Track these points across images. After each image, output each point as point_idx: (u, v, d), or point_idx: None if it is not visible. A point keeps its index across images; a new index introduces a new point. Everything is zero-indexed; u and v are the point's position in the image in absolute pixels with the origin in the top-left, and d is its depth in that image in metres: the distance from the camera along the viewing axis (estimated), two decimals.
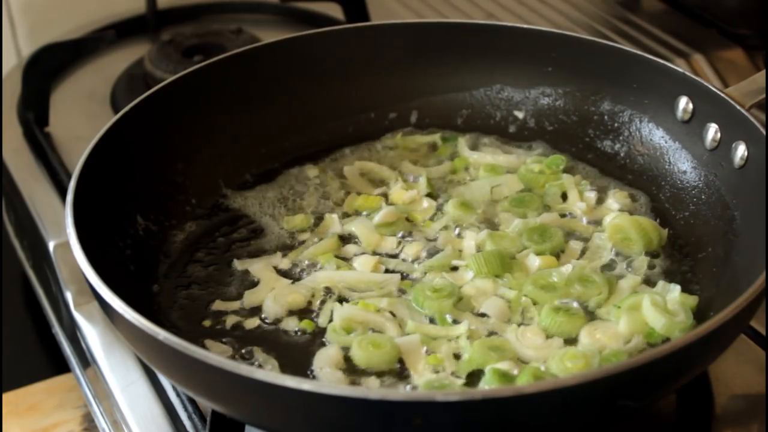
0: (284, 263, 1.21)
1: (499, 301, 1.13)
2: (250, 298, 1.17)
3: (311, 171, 1.35)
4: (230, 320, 1.14)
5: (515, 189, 1.30)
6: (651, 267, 1.18)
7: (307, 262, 1.21)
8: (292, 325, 1.13)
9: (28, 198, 1.48)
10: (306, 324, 1.12)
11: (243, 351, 1.10)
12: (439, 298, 1.13)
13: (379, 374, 1.06)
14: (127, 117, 1.23)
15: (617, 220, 1.22)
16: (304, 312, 1.15)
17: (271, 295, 1.15)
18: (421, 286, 1.15)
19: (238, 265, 1.20)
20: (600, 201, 1.29)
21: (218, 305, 1.16)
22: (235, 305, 1.16)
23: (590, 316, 1.12)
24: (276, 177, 1.34)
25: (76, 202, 1.10)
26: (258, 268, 1.19)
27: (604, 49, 1.35)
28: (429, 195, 1.30)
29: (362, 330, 1.10)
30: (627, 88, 1.33)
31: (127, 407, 1.18)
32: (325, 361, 1.07)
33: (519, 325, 1.11)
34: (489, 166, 1.33)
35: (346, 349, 1.09)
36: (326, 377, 1.06)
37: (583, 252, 1.21)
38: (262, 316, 1.14)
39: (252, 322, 1.14)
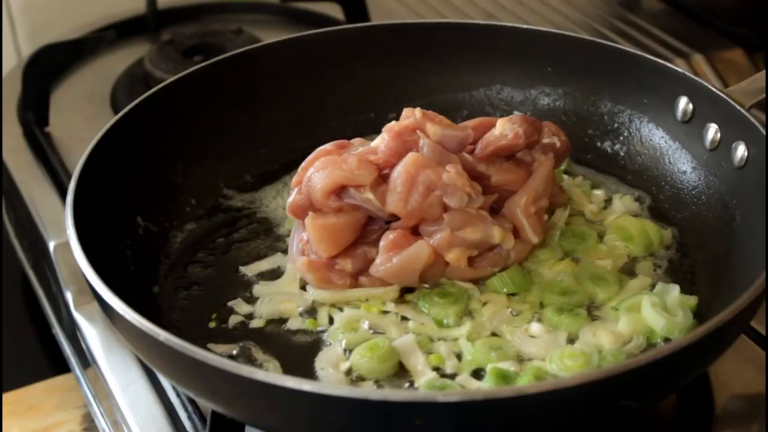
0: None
1: (506, 314, 1.13)
2: (260, 290, 1.18)
3: None
4: (232, 321, 1.14)
5: None
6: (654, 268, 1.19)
7: None
8: (296, 324, 1.13)
9: (28, 198, 1.48)
10: (310, 323, 1.12)
11: (245, 352, 1.10)
12: (446, 305, 1.12)
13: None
14: (127, 117, 1.24)
15: (619, 220, 1.22)
16: (310, 312, 1.15)
17: (266, 298, 1.16)
18: (429, 292, 1.14)
19: (247, 271, 1.20)
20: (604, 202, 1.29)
21: (222, 304, 1.16)
22: (237, 305, 1.16)
23: (595, 316, 1.12)
24: (276, 177, 1.34)
25: (76, 202, 1.10)
26: (293, 268, 1.19)
27: (604, 49, 1.35)
28: None
29: (364, 330, 1.10)
30: (627, 88, 1.33)
31: (127, 407, 1.18)
32: (327, 362, 1.07)
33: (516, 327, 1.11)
34: None
35: (348, 349, 1.09)
36: (328, 378, 1.06)
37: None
38: (257, 313, 1.15)
39: (255, 323, 1.14)
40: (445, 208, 1.11)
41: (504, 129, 1.17)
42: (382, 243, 1.12)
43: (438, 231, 1.11)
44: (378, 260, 1.12)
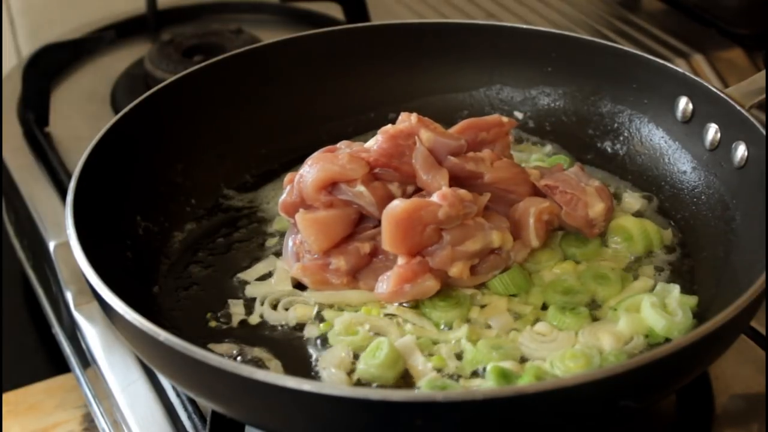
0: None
1: (507, 316, 1.13)
2: (252, 290, 1.17)
3: None
4: (233, 320, 1.14)
5: None
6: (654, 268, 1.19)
7: None
8: (307, 329, 1.13)
9: (28, 198, 1.48)
10: (325, 326, 1.12)
11: (245, 351, 1.10)
12: (448, 309, 1.12)
13: None
14: (127, 117, 1.24)
15: (619, 221, 1.22)
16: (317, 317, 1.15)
17: (266, 300, 1.15)
18: (431, 296, 1.13)
19: (243, 275, 1.20)
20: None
21: (223, 304, 1.16)
22: (238, 305, 1.16)
23: (595, 316, 1.12)
24: (276, 177, 1.34)
25: (76, 202, 1.10)
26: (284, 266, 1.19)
27: (604, 49, 1.35)
28: None
29: (365, 332, 1.10)
30: (627, 88, 1.33)
31: (127, 407, 1.18)
32: (330, 362, 1.07)
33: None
34: None
35: (350, 350, 1.08)
36: (330, 378, 1.06)
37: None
38: (263, 314, 1.15)
39: (255, 322, 1.14)
40: (443, 227, 1.12)
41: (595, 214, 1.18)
42: (393, 272, 1.12)
43: (439, 249, 1.11)
44: (388, 289, 1.11)
